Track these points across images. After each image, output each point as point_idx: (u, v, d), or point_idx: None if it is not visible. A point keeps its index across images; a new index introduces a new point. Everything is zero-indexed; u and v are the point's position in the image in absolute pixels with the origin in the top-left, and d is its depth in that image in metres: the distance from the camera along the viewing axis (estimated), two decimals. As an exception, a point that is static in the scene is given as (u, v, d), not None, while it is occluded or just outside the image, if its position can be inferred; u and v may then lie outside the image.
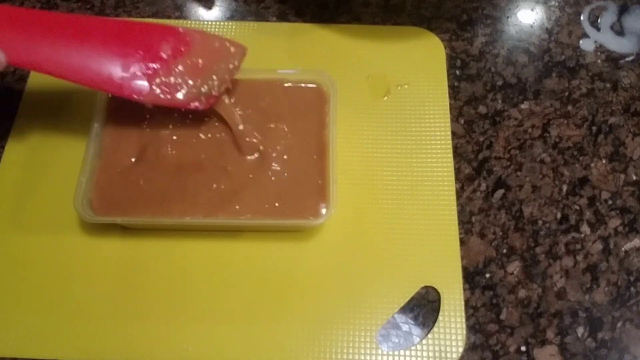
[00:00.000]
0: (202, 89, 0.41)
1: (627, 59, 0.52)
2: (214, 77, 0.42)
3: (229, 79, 0.43)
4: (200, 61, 0.41)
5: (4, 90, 0.50)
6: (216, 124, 0.44)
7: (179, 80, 0.41)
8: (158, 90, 0.40)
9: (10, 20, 0.38)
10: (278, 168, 0.43)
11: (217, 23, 0.53)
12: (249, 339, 0.40)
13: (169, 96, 0.41)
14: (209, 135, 0.44)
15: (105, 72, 0.40)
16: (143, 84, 0.40)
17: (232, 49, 0.43)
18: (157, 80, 0.40)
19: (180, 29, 0.42)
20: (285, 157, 0.43)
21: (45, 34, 0.38)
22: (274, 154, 0.43)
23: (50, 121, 0.48)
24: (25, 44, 0.38)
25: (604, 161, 0.47)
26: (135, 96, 0.40)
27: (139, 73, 0.40)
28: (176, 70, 0.41)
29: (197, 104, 0.41)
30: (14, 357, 0.39)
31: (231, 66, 0.43)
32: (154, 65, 0.40)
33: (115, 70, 0.40)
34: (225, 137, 0.44)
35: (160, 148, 0.43)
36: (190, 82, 0.41)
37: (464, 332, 0.40)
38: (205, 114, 0.44)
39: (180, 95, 0.41)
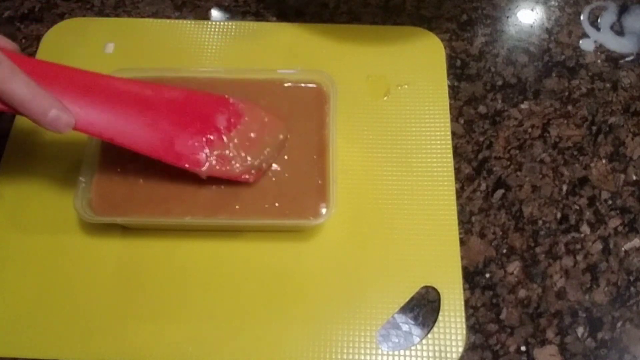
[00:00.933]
0: (255, 162, 0.41)
1: (627, 59, 0.52)
2: (265, 151, 0.42)
3: (277, 154, 0.43)
4: (252, 134, 0.42)
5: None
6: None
7: (234, 152, 0.41)
8: (214, 162, 0.40)
9: (75, 84, 0.37)
10: (278, 168, 0.43)
11: (217, 23, 0.53)
12: (249, 339, 0.40)
13: (224, 168, 0.41)
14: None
15: (166, 142, 0.40)
16: (201, 155, 0.40)
17: (279, 123, 0.43)
18: (214, 152, 0.40)
19: (231, 100, 0.42)
20: (285, 157, 0.43)
21: (109, 101, 0.38)
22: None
23: (50, 121, 0.48)
24: (91, 110, 0.37)
25: (604, 161, 0.47)
26: (191, 167, 0.40)
27: (197, 144, 0.40)
28: (231, 142, 0.41)
29: (247, 177, 0.41)
30: (14, 357, 0.39)
31: (281, 137, 0.43)
32: (211, 137, 0.41)
33: (175, 141, 0.40)
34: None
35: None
36: (244, 154, 0.41)
37: (464, 332, 0.40)
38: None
39: (234, 168, 0.41)
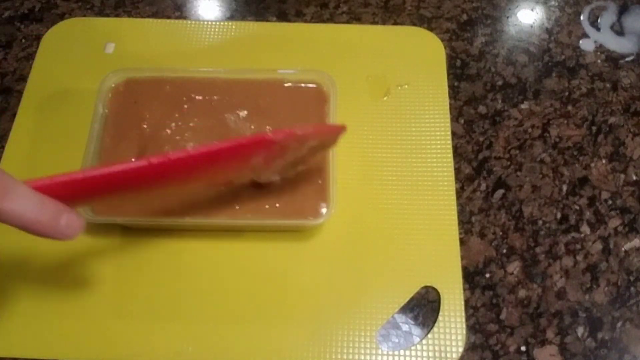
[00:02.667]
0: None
1: (627, 59, 0.52)
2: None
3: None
4: (290, 158, 0.39)
5: (4, 89, 0.50)
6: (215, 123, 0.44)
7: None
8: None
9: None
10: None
11: (217, 23, 0.53)
12: (249, 339, 0.40)
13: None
14: (209, 135, 0.44)
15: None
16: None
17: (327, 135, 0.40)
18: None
19: (271, 137, 0.36)
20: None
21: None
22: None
23: (50, 121, 0.48)
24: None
25: (604, 161, 0.47)
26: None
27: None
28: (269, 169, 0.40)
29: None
30: (14, 357, 0.39)
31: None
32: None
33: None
34: (224, 136, 0.44)
35: (159, 148, 0.43)
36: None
37: (464, 332, 0.40)
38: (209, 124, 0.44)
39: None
